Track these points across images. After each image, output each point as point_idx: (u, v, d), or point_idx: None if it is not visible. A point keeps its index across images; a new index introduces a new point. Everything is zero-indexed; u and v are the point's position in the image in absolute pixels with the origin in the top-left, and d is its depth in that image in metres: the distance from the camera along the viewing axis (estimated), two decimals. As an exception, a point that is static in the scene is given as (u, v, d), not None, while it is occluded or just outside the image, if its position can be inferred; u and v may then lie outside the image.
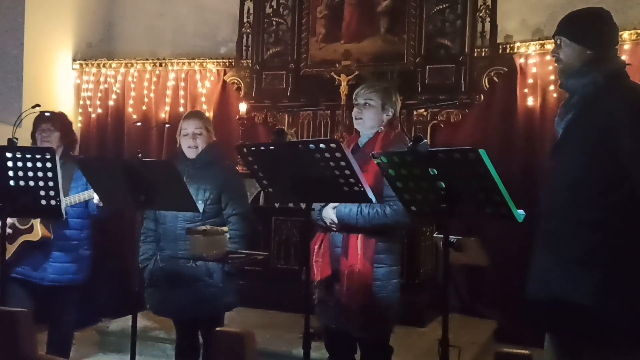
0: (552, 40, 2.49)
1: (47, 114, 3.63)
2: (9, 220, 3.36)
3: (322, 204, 2.86)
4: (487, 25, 5.06)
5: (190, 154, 3.29)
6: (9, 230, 3.38)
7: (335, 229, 2.85)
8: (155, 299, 3.31)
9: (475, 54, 5.07)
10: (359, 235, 2.80)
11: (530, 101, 4.91)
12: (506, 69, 5.01)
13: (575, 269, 2.26)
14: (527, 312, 2.44)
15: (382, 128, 2.91)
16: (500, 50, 5.07)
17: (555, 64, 2.47)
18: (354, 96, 3.00)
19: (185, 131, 3.30)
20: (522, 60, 4.99)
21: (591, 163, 2.24)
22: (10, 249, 3.41)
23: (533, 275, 2.40)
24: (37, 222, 3.42)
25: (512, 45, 5.05)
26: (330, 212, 2.84)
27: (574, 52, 2.35)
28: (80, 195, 3.40)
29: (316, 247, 2.88)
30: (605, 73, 2.31)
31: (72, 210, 3.50)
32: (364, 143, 2.91)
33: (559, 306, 2.28)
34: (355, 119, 2.95)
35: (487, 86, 5.06)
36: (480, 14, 5.06)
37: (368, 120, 2.91)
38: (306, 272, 2.49)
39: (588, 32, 2.35)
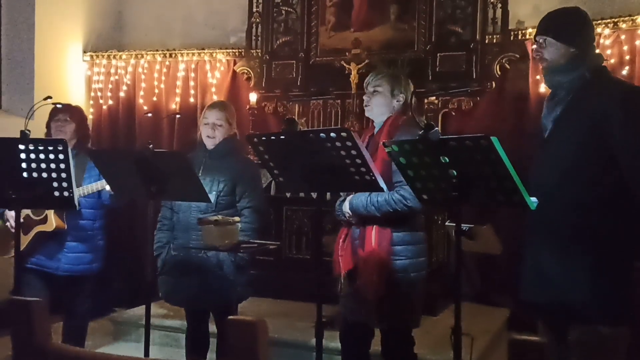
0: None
1: (59, 105, 3.64)
2: (24, 212, 3.40)
3: (342, 199, 2.86)
4: (499, 12, 5.02)
5: (209, 143, 3.30)
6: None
7: (353, 222, 2.85)
8: (167, 287, 3.33)
9: (487, 41, 5.03)
10: (374, 226, 2.79)
11: (542, 88, 4.85)
12: (518, 56, 4.97)
13: (567, 254, 2.32)
14: (521, 299, 2.48)
15: (392, 114, 2.88)
16: (511, 37, 5.02)
17: (539, 63, 2.55)
18: (364, 84, 2.99)
19: (206, 120, 3.31)
20: (534, 47, 4.91)
21: (583, 152, 2.32)
22: (25, 240, 3.44)
23: (526, 263, 2.46)
24: (51, 213, 3.45)
25: (523, 31, 4.99)
26: (346, 205, 2.84)
27: (559, 51, 2.43)
28: (92, 186, 3.43)
29: (340, 241, 2.89)
30: (590, 69, 2.40)
31: (85, 201, 3.52)
32: (377, 132, 2.91)
33: (553, 291, 2.34)
34: (365, 106, 2.94)
35: (499, 73, 5.01)
36: (492, 0, 5.00)
37: (376, 107, 2.90)
38: (318, 263, 2.49)
39: (571, 31, 2.44)
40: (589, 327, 2.30)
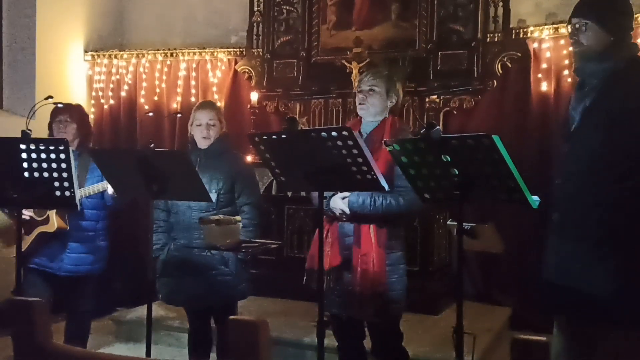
0: (566, 24, 2.45)
1: (60, 105, 3.64)
2: (27, 212, 3.40)
3: (330, 194, 2.86)
4: (500, 10, 5.00)
5: (203, 144, 3.30)
6: (26, 217, 3.43)
7: (345, 219, 2.85)
8: (168, 288, 3.33)
9: (488, 39, 5.02)
10: (371, 225, 2.81)
11: (544, 86, 4.86)
12: (519, 54, 4.95)
13: (591, 252, 2.24)
14: (543, 298, 2.43)
15: (387, 115, 2.91)
16: (513, 35, 5.01)
17: (572, 47, 2.42)
18: (357, 83, 3.00)
19: (198, 121, 3.30)
20: (535, 45, 4.92)
21: (611, 146, 2.22)
22: (27, 240, 3.45)
23: (549, 262, 2.38)
24: (53, 214, 3.44)
25: (525, 29, 4.98)
26: (339, 202, 2.84)
27: (598, 37, 2.31)
28: (95, 187, 3.43)
29: (324, 236, 2.88)
30: (625, 58, 2.30)
31: (88, 202, 3.52)
32: (371, 131, 2.90)
33: (575, 290, 2.26)
34: (360, 104, 2.93)
35: (500, 72, 5.00)
36: (493, -2, 5.00)
37: (373, 106, 2.90)
38: (319, 261, 2.49)
39: (615, 17, 2.33)
40: (616, 332, 2.22)
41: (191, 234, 3.22)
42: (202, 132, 3.28)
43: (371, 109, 2.91)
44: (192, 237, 3.22)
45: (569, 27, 2.42)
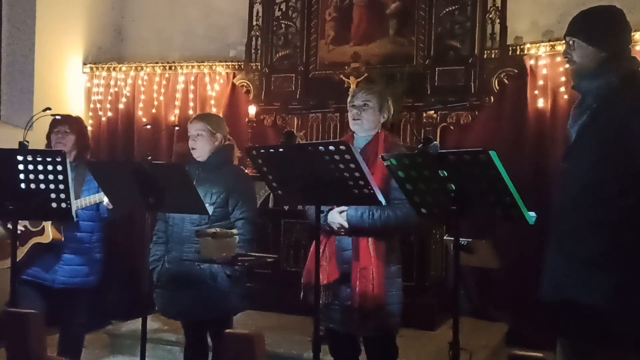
0: (563, 41, 2.46)
1: (58, 117, 3.64)
2: (22, 223, 3.39)
3: (328, 209, 2.87)
4: (497, 27, 5.03)
5: (195, 155, 3.31)
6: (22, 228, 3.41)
7: (343, 233, 2.86)
8: (162, 300, 3.31)
9: (485, 56, 5.05)
10: (370, 238, 2.81)
11: (540, 103, 4.89)
12: (516, 71, 4.99)
13: (589, 271, 2.22)
14: (540, 315, 2.41)
15: (379, 130, 2.95)
16: (510, 52, 5.04)
17: (568, 65, 2.43)
18: (350, 99, 3.02)
19: (189, 133, 3.33)
20: (532, 62, 4.96)
21: (607, 164, 2.20)
22: (22, 251, 3.43)
23: (546, 278, 2.36)
24: (48, 225, 3.43)
25: (522, 46, 5.02)
26: (337, 217, 2.85)
27: (589, 54, 2.31)
28: (91, 198, 3.42)
29: (321, 250, 2.88)
30: (620, 74, 2.28)
31: (83, 213, 3.51)
32: (364, 145, 2.92)
33: (573, 309, 2.24)
34: (353, 119, 2.96)
35: (497, 88, 5.03)
36: (490, 16, 5.03)
37: (366, 121, 2.93)
38: (316, 277, 2.49)
39: (603, 33, 2.31)
40: (619, 352, 2.19)
41: (182, 246, 3.21)
42: (190, 142, 3.30)
43: (365, 124, 2.93)
44: (184, 250, 3.20)
45: (564, 44, 2.43)
